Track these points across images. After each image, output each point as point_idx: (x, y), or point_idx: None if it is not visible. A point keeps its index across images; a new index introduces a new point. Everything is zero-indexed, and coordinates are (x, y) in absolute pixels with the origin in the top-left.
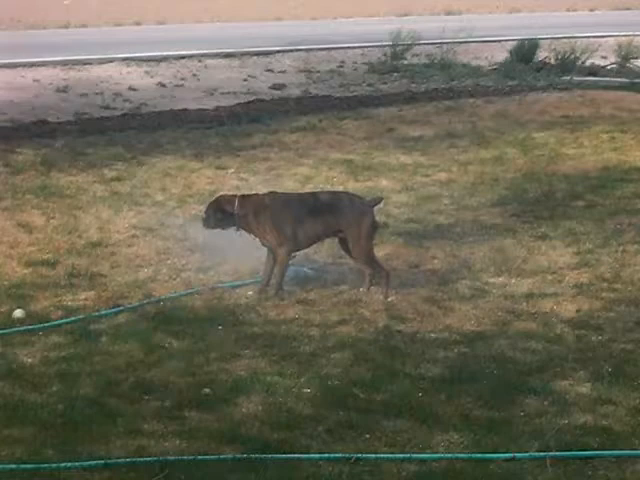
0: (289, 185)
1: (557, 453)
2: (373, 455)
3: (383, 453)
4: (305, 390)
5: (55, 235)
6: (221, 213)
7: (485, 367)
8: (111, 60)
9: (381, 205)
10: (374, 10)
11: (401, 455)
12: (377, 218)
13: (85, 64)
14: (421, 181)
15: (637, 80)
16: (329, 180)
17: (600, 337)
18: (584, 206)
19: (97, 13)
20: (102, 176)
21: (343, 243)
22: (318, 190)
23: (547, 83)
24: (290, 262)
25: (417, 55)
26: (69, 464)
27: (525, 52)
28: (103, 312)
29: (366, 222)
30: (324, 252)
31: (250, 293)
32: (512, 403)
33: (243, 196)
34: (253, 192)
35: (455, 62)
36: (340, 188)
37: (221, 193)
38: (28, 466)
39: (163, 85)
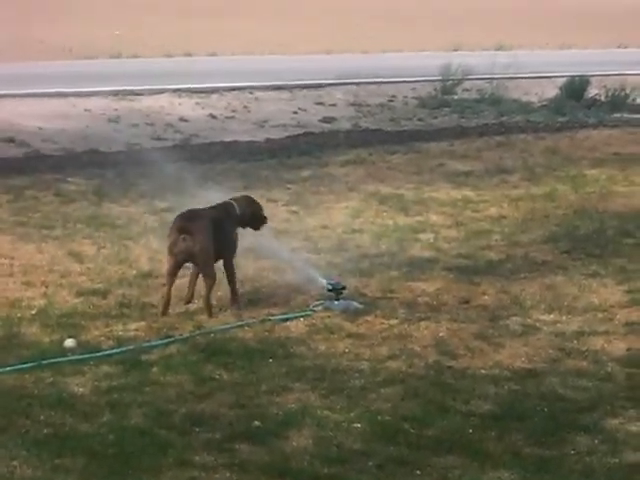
0: (339, 219)
1: None
2: None
3: None
4: (355, 425)
5: (106, 265)
6: None
7: (536, 404)
8: (162, 91)
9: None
10: (424, 44)
11: None
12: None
13: (136, 94)
14: (471, 216)
15: None
16: (379, 214)
17: None
18: (635, 244)
19: (148, 44)
20: (153, 207)
21: None
22: None
23: (597, 120)
24: (341, 296)
25: (468, 90)
26: None
27: (575, 88)
28: (154, 342)
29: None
30: (374, 286)
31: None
32: (563, 441)
33: None
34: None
35: (506, 97)
36: (390, 222)
37: None
38: None
39: (214, 117)
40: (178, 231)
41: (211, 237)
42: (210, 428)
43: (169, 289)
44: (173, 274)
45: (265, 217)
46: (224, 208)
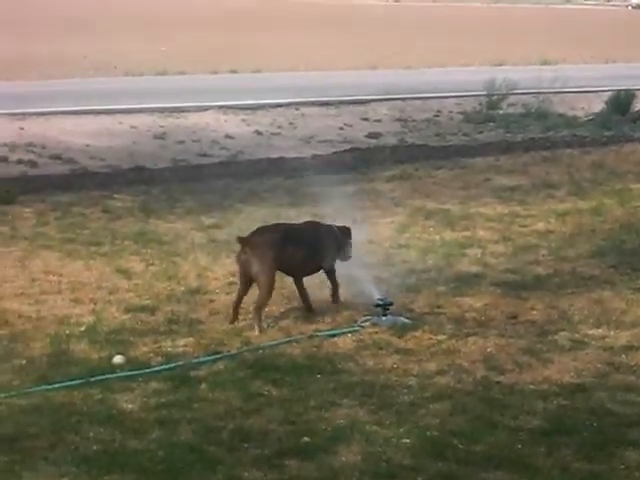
0: (386, 234)
1: None
2: None
3: None
4: (404, 440)
5: (154, 281)
6: None
7: (584, 419)
8: (208, 108)
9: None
10: (469, 59)
11: None
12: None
13: (182, 111)
14: (518, 231)
15: None
16: (426, 230)
17: None
18: None
19: (193, 60)
20: (200, 223)
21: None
22: None
23: None
24: (388, 312)
25: (513, 105)
26: None
27: (621, 103)
28: (202, 359)
29: None
30: (421, 302)
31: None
32: (612, 456)
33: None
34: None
35: (551, 112)
36: (437, 238)
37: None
38: None
39: (260, 133)
40: (241, 243)
41: (275, 253)
42: (259, 444)
43: (236, 301)
44: (240, 283)
45: (349, 252)
46: (323, 226)
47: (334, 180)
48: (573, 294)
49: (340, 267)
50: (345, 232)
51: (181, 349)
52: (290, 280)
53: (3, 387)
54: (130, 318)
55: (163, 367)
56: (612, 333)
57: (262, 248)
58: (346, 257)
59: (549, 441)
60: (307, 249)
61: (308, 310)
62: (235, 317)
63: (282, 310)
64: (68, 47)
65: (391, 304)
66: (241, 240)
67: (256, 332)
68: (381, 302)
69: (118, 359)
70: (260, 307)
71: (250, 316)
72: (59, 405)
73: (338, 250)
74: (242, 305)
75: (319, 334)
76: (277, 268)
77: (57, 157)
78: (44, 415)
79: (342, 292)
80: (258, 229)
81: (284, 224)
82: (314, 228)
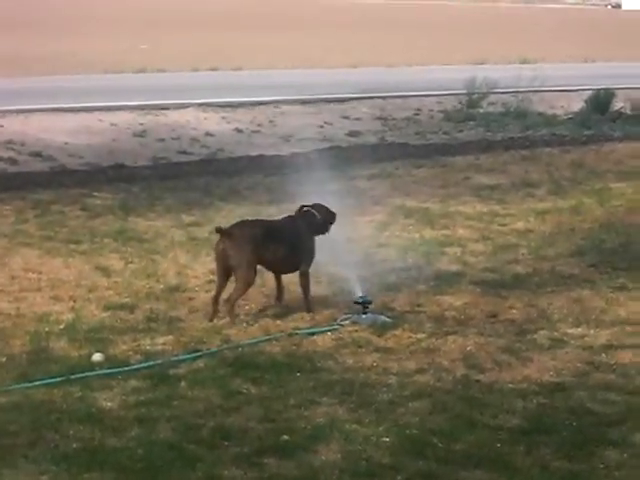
0: (365, 232)
1: None
2: None
3: None
4: (384, 439)
5: (133, 279)
6: None
7: (564, 418)
8: (188, 105)
9: None
10: (449, 58)
11: None
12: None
13: (162, 109)
14: (498, 230)
15: None
16: (405, 228)
17: None
18: None
19: (174, 58)
20: (180, 221)
21: None
22: None
23: (623, 133)
24: (368, 310)
25: (493, 104)
26: None
27: (601, 102)
28: (182, 357)
29: None
30: (401, 300)
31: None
32: (591, 455)
33: None
34: None
35: (531, 111)
36: (416, 236)
37: None
38: None
39: (240, 131)
40: (220, 233)
41: (253, 246)
42: (239, 442)
43: (215, 295)
44: (218, 276)
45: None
46: (302, 217)
47: (314, 178)
48: (552, 293)
49: (320, 266)
50: (323, 211)
51: (160, 347)
52: (269, 277)
53: None
54: (109, 316)
55: (142, 365)
56: (592, 332)
57: (241, 241)
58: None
59: (528, 440)
60: (287, 247)
61: (277, 300)
62: (215, 311)
63: (261, 308)
64: (48, 46)
65: (370, 302)
66: (220, 230)
67: (230, 322)
68: (360, 300)
69: (97, 357)
70: (234, 300)
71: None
72: (39, 403)
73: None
74: (220, 301)
75: (299, 332)
76: (256, 263)
77: (37, 155)
78: (24, 413)
79: (322, 290)
80: (239, 222)
81: (265, 220)
82: (294, 227)
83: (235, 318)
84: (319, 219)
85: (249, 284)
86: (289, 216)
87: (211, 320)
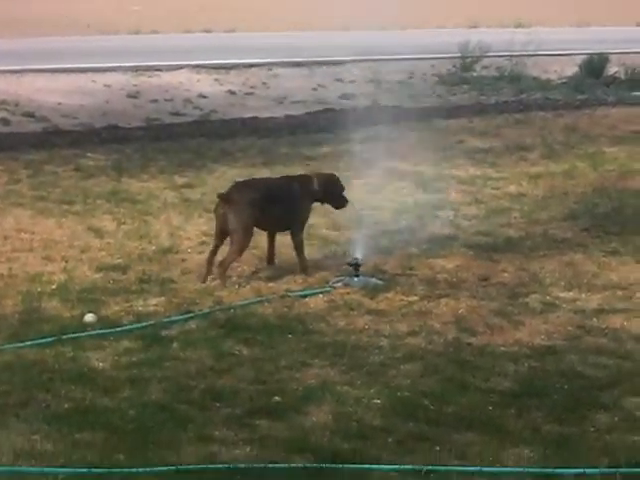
0: (357, 196)
1: (628, 469)
2: (443, 467)
3: (453, 465)
4: (375, 401)
5: (126, 240)
6: None
7: (555, 382)
8: (181, 67)
9: None
10: (442, 21)
11: (471, 468)
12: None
13: (155, 70)
14: (491, 194)
15: None
16: (398, 191)
17: None
18: None
19: (167, 19)
20: (173, 182)
21: None
22: None
23: (617, 98)
24: (360, 272)
25: (486, 67)
26: (140, 469)
27: (595, 66)
28: (174, 318)
29: None
30: (393, 263)
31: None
32: (582, 418)
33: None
34: None
35: (525, 75)
36: (409, 199)
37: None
38: (99, 470)
39: (233, 93)
40: (220, 199)
41: (252, 211)
42: (230, 403)
43: (209, 256)
44: (215, 238)
45: (345, 198)
46: (299, 180)
47: (307, 141)
48: (545, 257)
49: (313, 228)
50: (330, 181)
51: (152, 308)
52: (261, 239)
53: None
54: (102, 277)
55: (135, 326)
56: (583, 296)
57: (240, 206)
58: (341, 205)
59: (520, 403)
60: (283, 208)
61: (269, 262)
62: (208, 272)
63: (253, 270)
64: (42, 6)
65: (359, 265)
66: (220, 196)
67: (220, 285)
68: (353, 262)
69: (89, 317)
70: (228, 263)
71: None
72: (31, 363)
73: (323, 202)
74: (214, 264)
75: (291, 294)
76: (253, 227)
77: (30, 115)
78: (15, 372)
79: (315, 252)
80: (237, 184)
81: (262, 180)
82: (291, 187)
83: (226, 281)
84: (315, 187)
85: (244, 248)
86: (287, 176)
87: (204, 281)
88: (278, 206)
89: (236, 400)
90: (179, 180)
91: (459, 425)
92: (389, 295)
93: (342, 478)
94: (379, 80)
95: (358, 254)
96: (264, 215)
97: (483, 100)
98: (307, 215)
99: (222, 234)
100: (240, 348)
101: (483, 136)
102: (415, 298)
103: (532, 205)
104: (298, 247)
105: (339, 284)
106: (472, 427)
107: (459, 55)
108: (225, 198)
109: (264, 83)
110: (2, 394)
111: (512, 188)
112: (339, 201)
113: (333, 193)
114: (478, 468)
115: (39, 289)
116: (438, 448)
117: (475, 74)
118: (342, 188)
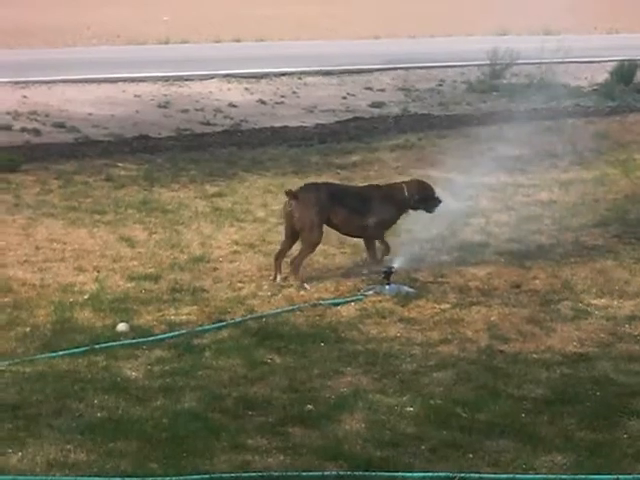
0: None
1: None
2: (477, 474)
3: (486, 473)
4: (408, 409)
5: (157, 250)
6: None
7: (588, 389)
8: (212, 77)
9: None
10: (472, 29)
11: (504, 475)
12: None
13: (186, 80)
14: (522, 201)
15: None
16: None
17: None
18: None
19: (196, 29)
20: (204, 192)
21: None
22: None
23: None
24: (392, 280)
25: (516, 75)
26: (174, 478)
27: (625, 73)
28: (206, 327)
29: None
30: (425, 271)
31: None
32: (615, 425)
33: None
34: None
35: (554, 82)
36: (440, 207)
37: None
38: (133, 479)
39: (263, 102)
40: (288, 195)
41: (319, 208)
42: (263, 412)
43: (278, 254)
44: (285, 237)
45: (438, 199)
46: (388, 190)
47: (337, 149)
48: (576, 263)
49: (344, 237)
50: (415, 188)
51: (185, 317)
52: (293, 249)
53: (7, 355)
54: (134, 286)
55: (167, 335)
56: (615, 303)
57: (306, 204)
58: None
59: (552, 410)
60: (352, 210)
61: (372, 260)
62: (278, 271)
63: (285, 276)
64: (71, 16)
65: (391, 273)
66: (288, 193)
67: (300, 286)
68: (385, 270)
69: (122, 327)
70: (299, 262)
71: (254, 285)
72: (63, 373)
73: (407, 209)
74: (246, 272)
75: (323, 303)
76: (321, 224)
77: (60, 125)
78: (48, 382)
79: (347, 260)
80: (307, 185)
81: (335, 183)
82: (366, 191)
83: (299, 279)
84: (405, 195)
85: (314, 245)
86: (372, 184)
87: (274, 279)
88: (348, 209)
89: (269, 408)
90: (210, 189)
91: (492, 432)
92: (421, 303)
93: None
94: (408, 88)
95: (390, 262)
96: (334, 216)
97: (513, 107)
98: (385, 223)
99: (291, 233)
100: (273, 357)
101: (513, 143)
102: (447, 306)
103: (563, 212)
104: (370, 250)
105: (371, 292)
106: (505, 434)
107: (488, 62)
108: (292, 195)
109: (294, 92)
110: (35, 404)
111: (543, 195)
112: (432, 204)
113: (426, 198)
114: (511, 475)
115: (71, 299)
116: (471, 455)
117: (505, 81)
118: (432, 190)
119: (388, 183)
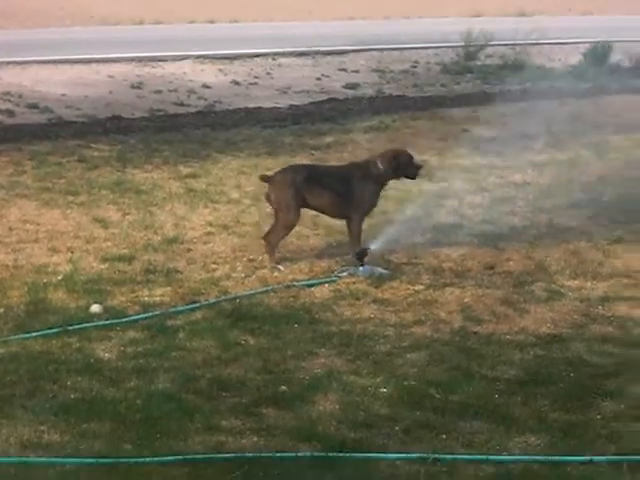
0: None
1: (634, 457)
2: (450, 456)
3: (460, 454)
4: (381, 390)
5: (131, 231)
6: None
7: (561, 370)
8: (185, 57)
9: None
10: (446, 10)
11: (478, 456)
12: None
13: (159, 61)
14: (495, 182)
15: None
16: (402, 180)
17: None
18: None
19: (170, 10)
20: (177, 173)
21: None
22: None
23: (621, 86)
24: (365, 261)
25: (490, 56)
26: (147, 459)
27: (599, 55)
28: (180, 308)
29: None
30: (398, 252)
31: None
32: (588, 406)
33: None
34: None
35: (529, 64)
36: (414, 189)
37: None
38: (107, 460)
39: (237, 83)
40: (263, 180)
41: (294, 190)
42: (237, 393)
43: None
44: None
45: (417, 164)
46: (360, 166)
47: (311, 130)
48: (550, 245)
49: (318, 217)
50: (389, 158)
51: (158, 298)
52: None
53: None
54: (107, 267)
55: (141, 316)
56: (589, 284)
57: (281, 186)
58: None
59: (526, 391)
60: (333, 192)
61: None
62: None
63: (260, 259)
64: None
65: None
66: (263, 178)
67: (272, 266)
68: (358, 251)
69: (95, 308)
70: (274, 243)
71: (228, 266)
72: (37, 354)
73: (385, 183)
74: (220, 253)
75: (296, 284)
76: (298, 206)
77: (34, 106)
78: (22, 364)
79: (320, 241)
80: (285, 168)
81: (312, 165)
82: (346, 173)
83: (274, 259)
84: (380, 167)
85: (289, 227)
86: (351, 162)
87: (271, 261)
88: (327, 190)
89: (243, 389)
90: (184, 170)
91: (465, 413)
92: (394, 284)
93: (349, 467)
94: (383, 69)
95: (363, 243)
96: (312, 198)
97: (487, 89)
98: (366, 201)
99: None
100: (246, 338)
101: (487, 125)
102: (421, 287)
103: (537, 193)
104: (353, 233)
105: (344, 274)
106: (478, 415)
107: (462, 44)
108: (268, 179)
109: (268, 73)
110: (9, 385)
111: (517, 177)
112: (413, 169)
113: (403, 165)
114: (485, 456)
115: (45, 280)
116: (444, 436)
117: (479, 63)
118: (410, 156)
119: (365, 159)
